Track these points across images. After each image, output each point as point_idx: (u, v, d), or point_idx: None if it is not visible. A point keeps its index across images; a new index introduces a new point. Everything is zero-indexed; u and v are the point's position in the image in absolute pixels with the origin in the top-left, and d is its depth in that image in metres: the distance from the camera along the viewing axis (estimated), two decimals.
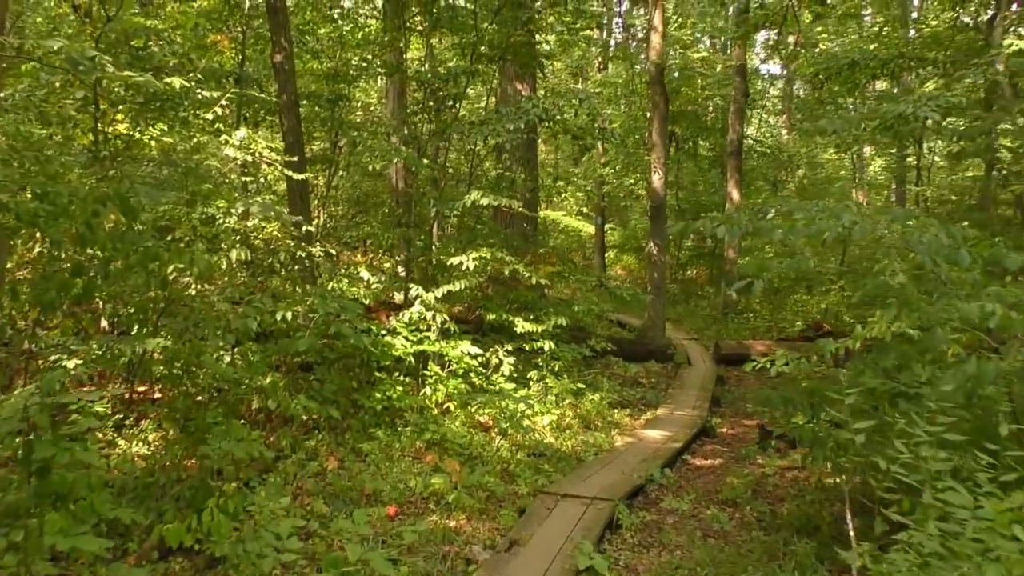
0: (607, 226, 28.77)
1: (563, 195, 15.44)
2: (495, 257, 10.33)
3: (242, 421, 8.11)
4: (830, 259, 20.36)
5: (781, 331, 17.58)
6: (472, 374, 10.02)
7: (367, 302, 9.83)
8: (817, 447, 5.70)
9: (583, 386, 10.81)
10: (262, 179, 12.46)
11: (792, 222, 5.81)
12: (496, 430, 8.85)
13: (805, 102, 27.54)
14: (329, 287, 9.38)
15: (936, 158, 23.07)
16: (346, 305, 8.34)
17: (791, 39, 19.12)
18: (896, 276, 4.67)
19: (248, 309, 6.33)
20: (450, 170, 16.91)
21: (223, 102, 8.24)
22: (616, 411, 10.84)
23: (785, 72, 23.63)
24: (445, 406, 9.36)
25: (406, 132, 11.54)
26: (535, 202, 14.94)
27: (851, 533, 4.79)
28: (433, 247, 11.02)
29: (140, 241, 4.97)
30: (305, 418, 8.51)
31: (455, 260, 10.04)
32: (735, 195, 20.98)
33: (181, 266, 5.91)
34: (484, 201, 10.08)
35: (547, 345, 10.63)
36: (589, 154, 25.34)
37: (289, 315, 6.51)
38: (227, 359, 7.79)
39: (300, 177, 8.98)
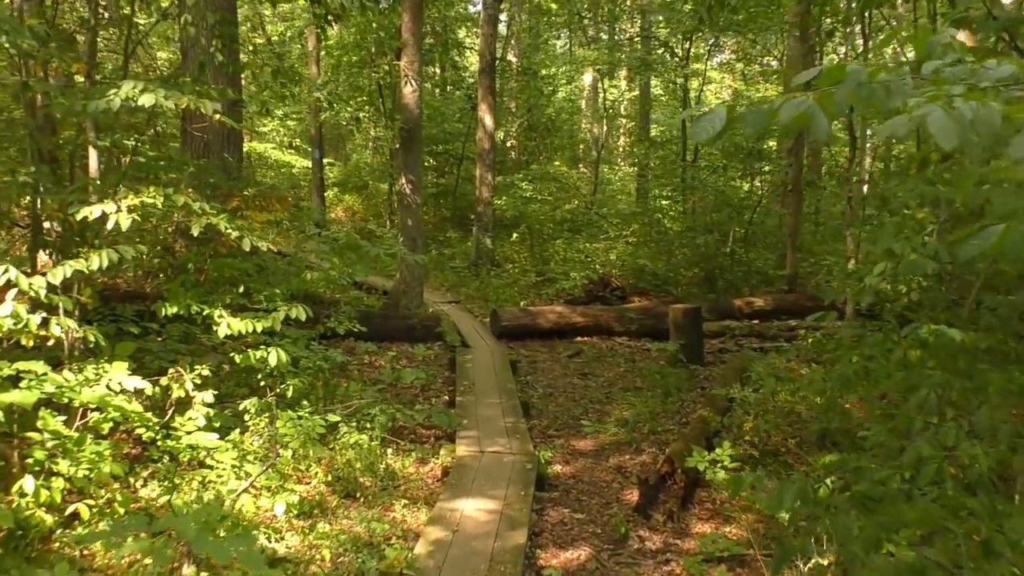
0: (325, 160, 23.93)
1: (288, 99, 10.62)
2: (173, 203, 5.71)
3: None
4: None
5: (560, 289, 14.15)
6: (134, 421, 5.39)
7: None
8: None
9: (337, 419, 6.49)
10: None
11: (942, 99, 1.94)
12: (183, 551, 4.36)
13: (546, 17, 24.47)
14: None
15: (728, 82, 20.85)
16: None
17: None
18: None
19: None
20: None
21: None
22: (392, 453, 6.66)
23: None
24: (71, 512, 4.67)
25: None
26: (239, 119, 10.06)
27: None
28: (89, 188, 6.21)
29: None
30: None
31: (92, 211, 5.29)
32: (488, 121, 17.30)
33: None
34: (146, 100, 5.32)
35: (274, 356, 6.13)
36: (303, 85, 20.08)
37: None
38: None
39: None
